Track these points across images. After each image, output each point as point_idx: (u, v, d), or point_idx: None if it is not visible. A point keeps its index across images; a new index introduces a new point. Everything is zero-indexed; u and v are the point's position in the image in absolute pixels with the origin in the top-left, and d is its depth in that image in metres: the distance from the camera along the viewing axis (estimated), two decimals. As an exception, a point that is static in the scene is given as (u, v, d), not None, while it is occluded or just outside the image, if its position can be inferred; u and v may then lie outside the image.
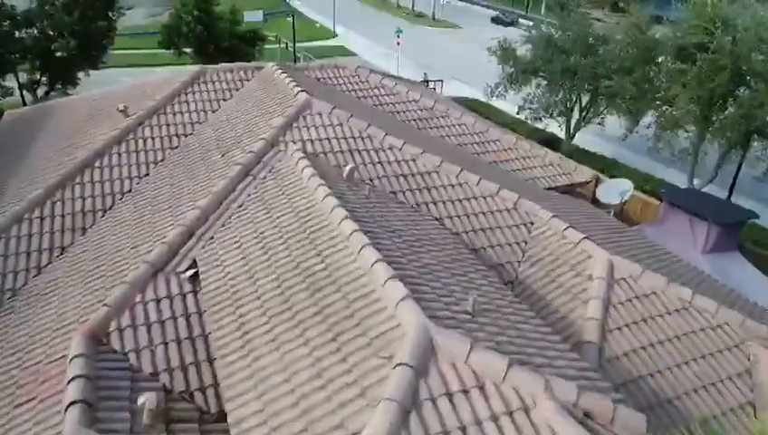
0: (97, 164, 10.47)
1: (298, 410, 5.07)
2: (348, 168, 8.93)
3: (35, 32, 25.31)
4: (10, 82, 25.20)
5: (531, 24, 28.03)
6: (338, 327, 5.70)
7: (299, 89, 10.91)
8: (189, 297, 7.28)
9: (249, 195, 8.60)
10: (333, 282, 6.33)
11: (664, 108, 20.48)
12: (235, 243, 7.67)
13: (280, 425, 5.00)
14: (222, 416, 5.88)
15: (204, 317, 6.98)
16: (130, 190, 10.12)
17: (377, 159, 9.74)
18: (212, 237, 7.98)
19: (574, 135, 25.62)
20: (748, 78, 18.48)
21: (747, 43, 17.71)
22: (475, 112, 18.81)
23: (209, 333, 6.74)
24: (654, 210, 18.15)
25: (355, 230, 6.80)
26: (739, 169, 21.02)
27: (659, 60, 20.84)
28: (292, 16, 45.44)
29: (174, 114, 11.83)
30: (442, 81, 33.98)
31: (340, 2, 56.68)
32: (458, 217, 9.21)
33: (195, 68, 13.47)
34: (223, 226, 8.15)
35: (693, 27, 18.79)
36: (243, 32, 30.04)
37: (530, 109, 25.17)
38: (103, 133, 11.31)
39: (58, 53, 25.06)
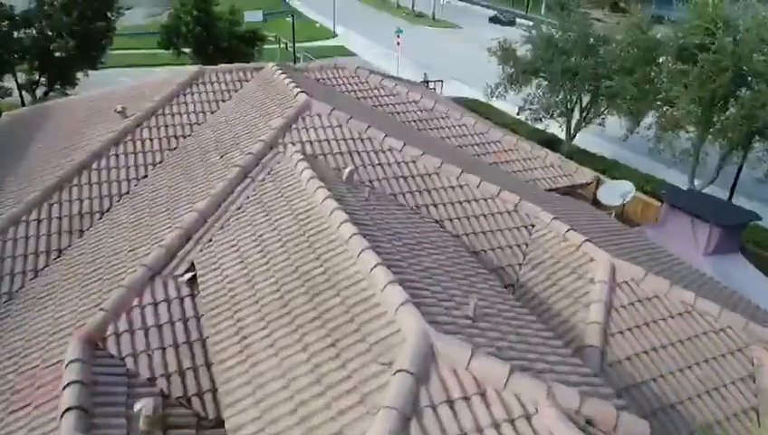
0: (94, 166, 10.39)
1: (297, 417, 4.99)
2: (347, 170, 8.86)
3: (34, 32, 25.23)
4: (9, 82, 25.11)
5: (530, 23, 27.94)
6: (337, 333, 5.63)
7: (298, 90, 10.84)
8: (187, 301, 7.22)
9: (248, 197, 8.52)
10: (332, 286, 6.26)
11: (665, 108, 20.41)
12: (234, 246, 7.59)
13: (278, 432, 4.92)
14: (220, 422, 5.80)
15: (202, 321, 6.91)
16: (128, 192, 10.05)
17: (376, 161, 9.66)
18: (210, 240, 7.91)
19: (575, 136, 25.55)
20: (749, 79, 18.41)
21: (749, 44, 17.65)
22: (475, 113, 18.75)
23: (207, 337, 6.67)
24: (655, 211, 18.10)
25: (354, 233, 6.73)
26: (740, 170, 20.95)
27: (660, 60, 20.77)
28: (292, 16, 45.38)
29: (172, 115, 11.76)
30: (442, 81, 33.90)
31: (340, 2, 56.61)
32: (459, 219, 9.14)
33: (193, 69, 13.40)
34: (221, 228, 8.08)
35: (694, 27, 18.72)
36: (242, 32, 29.97)
37: (530, 109, 25.10)
38: (101, 135, 11.24)
39: (57, 54, 25.00)
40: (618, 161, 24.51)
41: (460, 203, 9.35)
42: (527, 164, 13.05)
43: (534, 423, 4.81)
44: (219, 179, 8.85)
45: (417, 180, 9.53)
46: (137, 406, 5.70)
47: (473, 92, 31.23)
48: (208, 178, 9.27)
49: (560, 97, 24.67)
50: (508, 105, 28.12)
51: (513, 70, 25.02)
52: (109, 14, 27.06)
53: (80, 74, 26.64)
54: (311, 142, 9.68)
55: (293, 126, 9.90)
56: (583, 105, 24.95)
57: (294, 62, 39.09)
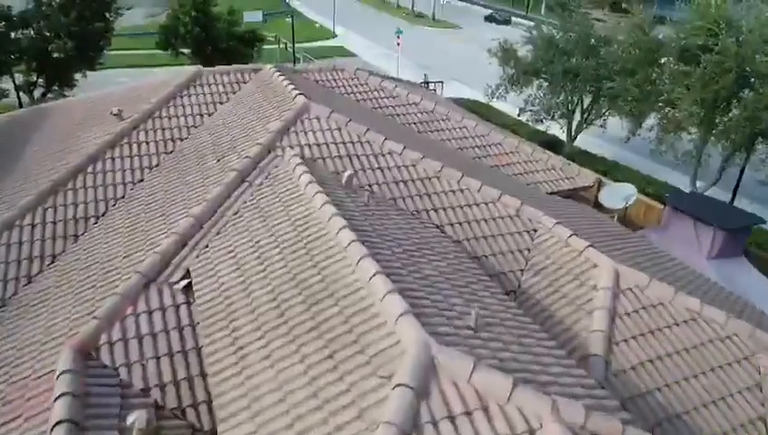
0: (90, 169, 10.23)
1: (293, 432, 4.84)
2: (346, 174, 8.71)
3: (32, 33, 25.09)
4: (6, 83, 24.97)
5: (527, 22, 27.87)
6: (335, 344, 5.48)
7: (297, 92, 10.69)
8: (182, 309, 7.06)
9: (245, 202, 8.37)
10: (331, 295, 6.11)
11: (667, 110, 20.28)
12: (230, 252, 7.44)
13: (274, 448, 4.79)
14: (215, 434, 5.66)
15: (197, 330, 6.76)
16: (124, 196, 9.89)
17: (376, 165, 9.51)
18: (206, 246, 7.76)
19: (576, 137, 25.41)
20: (752, 80, 18.27)
21: (752, 45, 17.51)
22: (476, 114, 18.62)
23: (202, 346, 6.52)
24: (657, 214, 17.96)
25: (353, 240, 6.58)
26: (742, 172, 20.81)
27: (662, 61, 20.62)
28: (292, 17, 45.27)
29: (169, 118, 11.60)
30: (442, 82, 33.77)
31: (340, 2, 56.54)
32: (459, 224, 8.99)
33: (191, 70, 13.24)
34: (218, 234, 7.93)
35: (696, 28, 18.58)
36: (241, 32, 29.85)
37: (531, 111, 24.97)
38: (97, 137, 11.08)
39: (54, 55, 24.82)
40: (619, 163, 24.40)
41: (461, 207, 9.20)
42: (528, 167, 12.89)
43: (538, 439, 4.66)
44: (216, 184, 8.70)
45: (418, 184, 9.38)
46: (130, 418, 5.54)
47: (473, 93, 31.09)
48: (205, 183, 9.12)
49: (561, 98, 24.56)
50: (509, 106, 27.99)
51: (513, 71, 24.89)
52: (107, 15, 26.92)
53: (78, 75, 26.51)
54: (309, 146, 9.53)
55: (292, 129, 9.75)
56: (584, 106, 24.82)
57: (294, 63, 39.00)
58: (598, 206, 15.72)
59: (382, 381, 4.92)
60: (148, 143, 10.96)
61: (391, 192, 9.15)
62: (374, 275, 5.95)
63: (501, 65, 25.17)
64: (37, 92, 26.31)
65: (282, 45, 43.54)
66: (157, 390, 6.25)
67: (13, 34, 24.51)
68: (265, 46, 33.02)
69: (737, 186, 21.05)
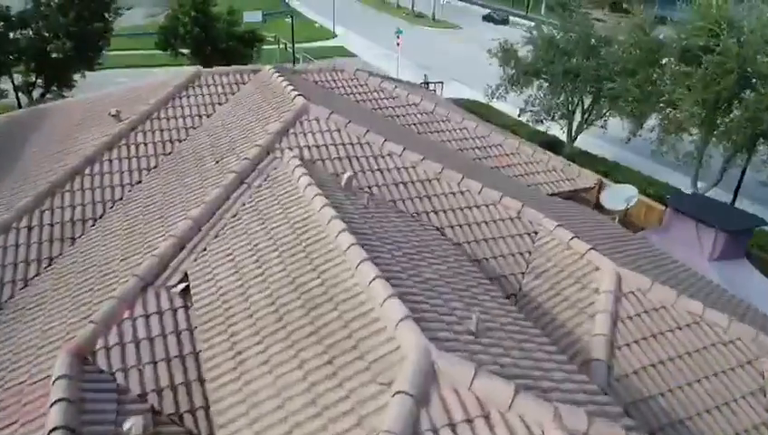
0: (87, 171, 10.15)
1: (291, 439, 4.77)
2: (346, 175, 8.63)
3: (30, 33, 25.02)
4: (5, 84, 24.93)
5: (525, 22, 27.80)
6: (334, 349, 5.40)
7: (296, 93, 10.62)
8: (180, 313, 6.97)
9: (243, 204, 8.30)
10: (330, 299, 6.04)
11: (668, 111, 20.21)
12: (228, 256, 7.37)
13: (272, 456, 4.71)
14: (213, 440, 5.59)
15: (195, 334, 6.68)
16: (122, 199, 9.81)
17: (376, 167, 9.45)
18: (204, 249, 7.69)
19: (576, 138, 25.33)
20: (754, 81, 18.19)
21: (753, 46, 17.44)
22: (476, 114, 18.56)
23: (200, 351, 6.44)
24: (658, 215, 17.89)
25: (353, 244, 6.50)
26: (744, 172, 20.74)
27: (663, 62, 20.55)
28: (292, 17, 45.19)
29: (168, 119, 11.52)
30: (442, 82, 33.68)
31: (340, 2, 56.45)
32: (460, 226, 8.92)
33: (190, 70, 13.16)
34: (216, 237, 7.85)
35: (698, 29, 18.50)
36: (241, 33, 29.77)
37: (531, 111, 24.89)
38: (95, 138, 11.00)
39: (53, 55, 24.76)
40: (619, 164, 24.31)
41: (461, 210, 9.13)
42: (529, 168, 12.82)
43: (540, 447, 4.59)
44: (214, 186, 8.63)
45: (418, 186, 9.32)
46: (126, 425, 5.47)
47: (473, 94, 31.02)
48: (203, 185, 9.05)
49: (561, 99, 24.48)
50: (509, 106, 27.92)
51: (514, 71, 24.81)
52: (106, 15, 26.85)
53: (77, 76, 26.44)
54: (308, 147, 9.46)
55: (291, 130, 9.68)
56: (585, 107, 24.74)
57: (294, 63, 38.93)
58: (599, 207, 15.64)
59: (382, 388, 4.85)
60: (146, 145, 10.88)
61: (391, 194, 9.08)
62: (374, 279, 5.88)
63: (501, 66, 25.09)
64: (36, 93, 26.25)
65: (281, 45, 43.47)
66: (154, 395, 6.16)
67: (11, 35, 24.45)
68: (265, 46, 32.94)
69: (738, 187, 20.98)
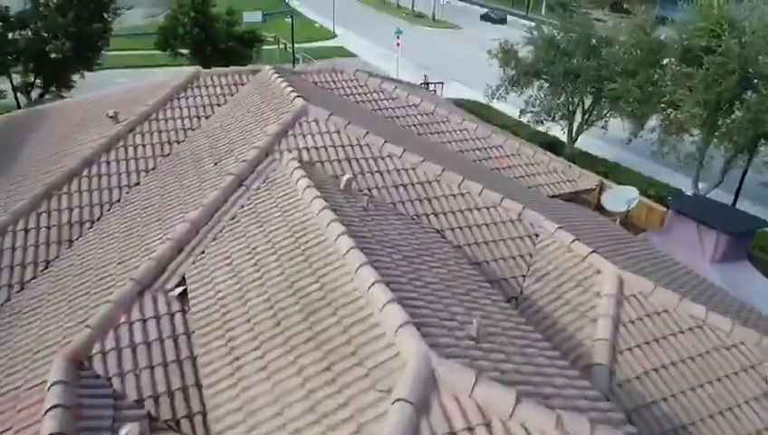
0: (85, 173, 10.07)
1: (290, 447, 4.70)
2: (345, 178, 8.56)
3: (29, 33, 24.92)
4: (3, 84, 24.85)
5: (525, 21, 27.72)
6: (333, 355, 5.33)
7: (295, 94, 10.55)
8: (177, 317, 6.90)
9: (242, 207, 8.23)
10: (329, 304, 5.96)
11: (669, 111, 20.13)
12: (226, 259, 7.29)
13: (270, 464, 4.64)
14: (210, 447, 5.51)
15: (192, 339, 6.61)
16: (119, 200, 9.74)
17: (375, 168, 9.37)
18: (202, 252, 7.61)
19: (576, 138, 25.25)
20: (755, 81, 18.10)
21: (755, 46, 17.35)
22: (476, 115, 18.49)
23: (198, 356, 6.37)
24: (659, 216, 17.81)
25: (352, 247, 6.43)
26: (745, 173, 20.66)
27: (664, 62, 20.46)
28: (291, 17, 45.11)
29: (166, 120, 11.45)
30: (442, 83, 33.59)
31: (340, 2, 56.38)
32: (460, 228, 8.84)
33: (190, 71, 13.08)
34: (214, 240, 7.78)
35: (699, 29, 18.41)
36: (240, 33, 29.69)
37: (532, 112, 24.81)
38: (93, 140, 10.93)
39: (52, 55, 24.67)
40: (620, 164, 24.22)
41: (461, 212, 9.05)
42: (530, 169, 12.75)
43: (542, 456, 4.52)
44: (213, 188, 8.55)
45: (418, 188, 9.24)
46: (123, 431, 5.38)
47: (473, 94, 30.94)
48: (201, 187, 8.98)
49: (562, 99, 24.39)
50: (509, 107, 27.84)
51: (514, 71, 24.73)
52: (105, 16, 26.77)
53: (76, 76, 26.35)
54: (307, 149, 9.38)
55: (290, 132, 9.61)
56: (585, 107, 24.66)
57: (293, 63, 38.87)
58: (600, 209, 15.58)
59: (381, 395, 4.77)
60: (144, 146, 10.81)
61: (391, 196, 9.01)
62: (373, 283, 5.81)
63: (501, 66, 25.00)
64: (35, 93, 26.16)
65: (281, 46, 43.39)
66: (150, 401, 6.09)
67: (10, 35, 24.34)
68: (265, 47, 32.86)
69: (740, 188, 20.90)
